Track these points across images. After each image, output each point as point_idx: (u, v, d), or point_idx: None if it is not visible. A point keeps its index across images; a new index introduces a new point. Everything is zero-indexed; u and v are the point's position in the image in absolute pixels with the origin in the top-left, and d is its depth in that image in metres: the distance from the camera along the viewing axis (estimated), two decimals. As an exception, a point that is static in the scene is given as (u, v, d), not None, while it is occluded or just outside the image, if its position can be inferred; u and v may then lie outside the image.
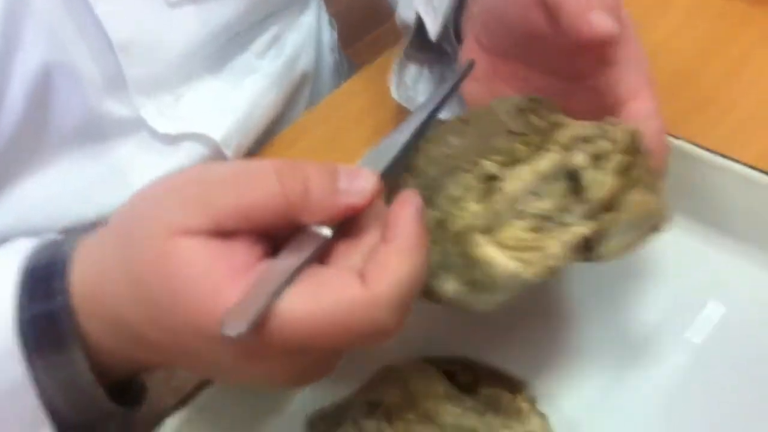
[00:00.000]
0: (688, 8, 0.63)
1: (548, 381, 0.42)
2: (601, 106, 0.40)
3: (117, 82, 0.53)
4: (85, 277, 0.34)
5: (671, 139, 0.43)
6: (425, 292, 0.36)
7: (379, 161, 0.37)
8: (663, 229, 0.38)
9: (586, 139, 0.37)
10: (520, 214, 0.36)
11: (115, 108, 0.54)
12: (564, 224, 0.35)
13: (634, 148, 0.37)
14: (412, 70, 0.56)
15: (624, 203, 0.36)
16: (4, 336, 0.34)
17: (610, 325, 0.44)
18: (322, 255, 0.33)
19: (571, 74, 0.42)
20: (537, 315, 0.45)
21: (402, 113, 0.59)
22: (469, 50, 0.46)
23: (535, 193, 0.36)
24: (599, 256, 0.36)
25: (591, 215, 0.36)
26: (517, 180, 0.36)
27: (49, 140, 0.52)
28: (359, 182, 0.34)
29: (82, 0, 0.50)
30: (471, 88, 0.46)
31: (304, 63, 0.66)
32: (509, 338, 0.44)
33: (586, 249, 0.36)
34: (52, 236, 0.38)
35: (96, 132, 0.54)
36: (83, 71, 0.51)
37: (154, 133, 0.55)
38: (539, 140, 0.38)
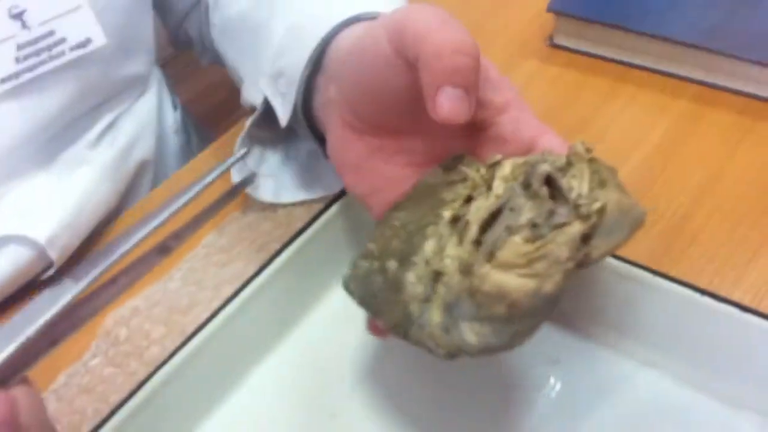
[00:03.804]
0: (530, 74, 0.65)
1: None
2: (508, 153, 0.38)
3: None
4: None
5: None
6: (450, 355, 0.35)
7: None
8: (643, 224, 0.37)
9: (533, 163, 0.36)
10: (511, 230, 0.34)
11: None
12: (557, 226, 0.34)
13: (591, 155, 0.36)
14: (255, 151, 0.54)
15: (604, 203, 0.35)
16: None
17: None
18: None
19: (462, 131, 0.40)
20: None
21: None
22: (338, 137, 0.43)
23: (511, 209, 0.34)
24: (591, 259, 0.35)
25: (578, 216, 0.34)
26: (484, 207, 0.35)
27: None
28: None
29: None
30: (351, 179, 0.43)
31: (142, 150, 0.63)
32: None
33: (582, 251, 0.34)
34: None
35: None
36: None
37: (-28, 238, 0.51)
38: (484, 180, 0.37)
